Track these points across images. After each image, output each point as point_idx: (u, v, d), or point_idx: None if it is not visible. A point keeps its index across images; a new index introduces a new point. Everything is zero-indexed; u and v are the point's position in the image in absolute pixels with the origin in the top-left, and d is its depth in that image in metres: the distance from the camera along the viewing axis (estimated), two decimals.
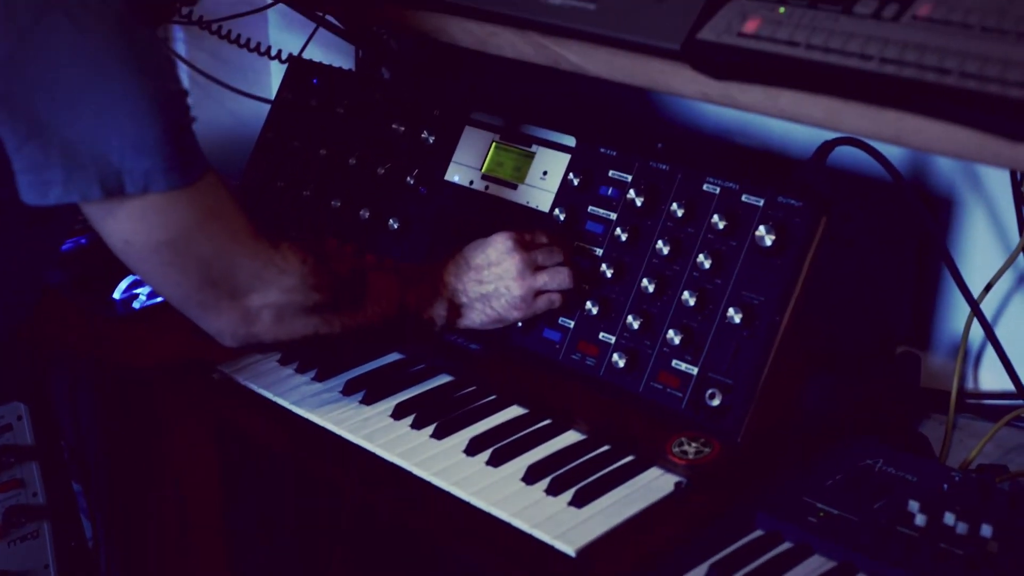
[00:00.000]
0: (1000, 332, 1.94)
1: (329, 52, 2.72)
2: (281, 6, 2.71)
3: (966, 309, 1.93)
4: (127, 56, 1.54)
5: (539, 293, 1.92)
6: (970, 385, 2.04)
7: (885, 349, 2.00)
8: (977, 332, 1.97)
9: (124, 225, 1.61)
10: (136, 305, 2.24)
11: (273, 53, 2.62)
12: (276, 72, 2.93)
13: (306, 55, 2.54)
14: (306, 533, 2.76)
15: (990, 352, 1.97)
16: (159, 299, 2.20)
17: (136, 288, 2.25)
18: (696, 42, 1.60)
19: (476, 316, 1.93)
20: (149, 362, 2.17)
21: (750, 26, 1.56)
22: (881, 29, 1.46)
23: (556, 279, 1.92)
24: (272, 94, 2.77)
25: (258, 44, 2.64)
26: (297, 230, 2.28)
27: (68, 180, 1.55)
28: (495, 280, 1.91)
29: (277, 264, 1.71)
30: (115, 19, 1.54)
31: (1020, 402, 1.95)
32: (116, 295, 2.24)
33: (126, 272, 2.22)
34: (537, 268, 1.92)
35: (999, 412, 1.95)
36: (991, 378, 2.02)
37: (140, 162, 1.55)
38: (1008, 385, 1.96)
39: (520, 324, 1.96)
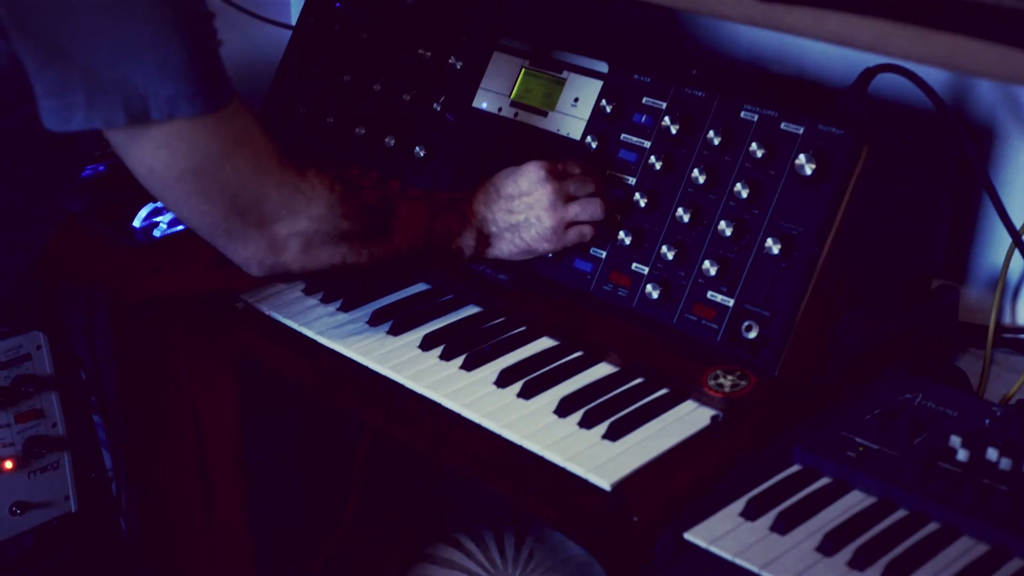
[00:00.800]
0: None
1: None
2: None
3: (1005, 242, 1.89)
4: None
5: (570, 225, 1.88)
6: (1007, 319, 2.00)
7: (923, 282, 1.96)
8: (1016, 265, 1.94)
9: (149, 152, 1.57)
10: (156, 233, 2.20)
11: None
12: None
13: None
14: (324, 468, 2.74)
15: None
16: (180, 227, 2.17)
17: (156, 216, 2.21)
18: None
19: (505, 246, 1.90)
20: (168, 292, 2.14)
21: None
22: None
23: (588, 210, 1.88)
24: (292, 20, 2.73)
25: None
26: (320, 158, 2.24)
27: (90, 105, 1.51)
28: (526, 210, 1.88)
29: (305, 192, 1.68)
30: None
31: None
32: (136, 223, 2.21)
33: (146, 199, 2.18)
34: (569, 198, 1.88)
35: None
36: None
37: (165, 87, 1.52)
38: None
39: (549, 256, 1.92)
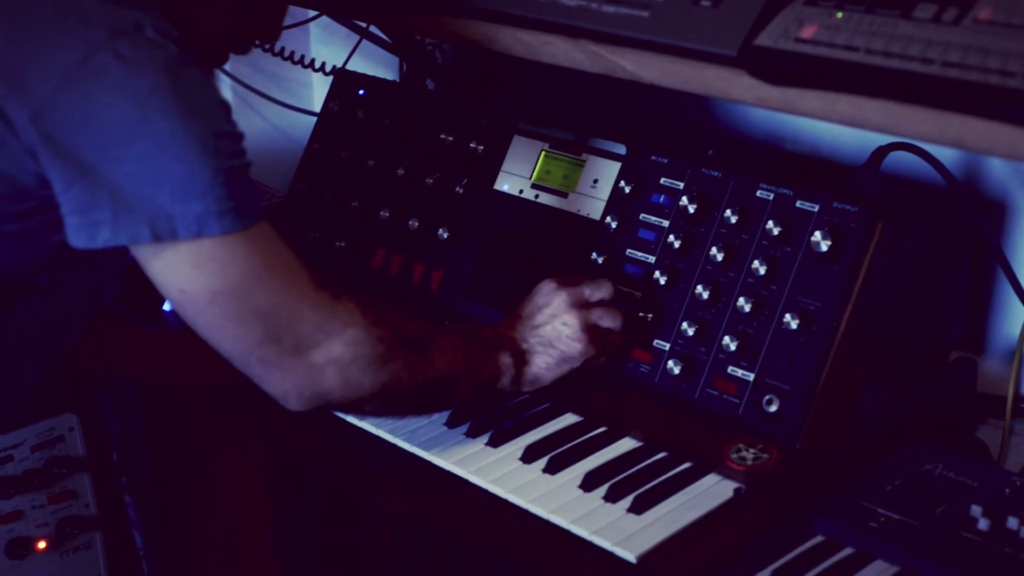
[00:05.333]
0: None
1: (372, 64, 2.73)
2: (323, 19, 2.72)
3: (1022, 313, 1.92)
4: (176, 97, 1.51)
5: (596, 328, 1.87)
6: None
7: (940, 354, 1.99)
8: None
9: (179, 272, 1.56)
10: None
11: (317, 66, 2.63)
12: (318, 84, 2.94)
13: (349, 68, 2.55)
14: (352, 548, 2.76)
15: None
16: None
17: None
18: (753, 48, 1.60)
19: (542, 360, 1.86)
20: (197, 377, 2.16)
21: (808, 32, 1.56)
22: (942, 33, 1.46)
23: (608, 315, 1.88)
24: (315, 106, 2.79)
25: (302, 57, 2.65)
26: (346, 242, 2.28)
27: (116, 222, 1.52)
28: (549, 319, 1.86)
29: (340, 316, 1.65)
30: (165, 60, 1.52)
31: None
32: (166, 307, 2.24)
33: None
34: (586, 303, 1.88)
35: None
36: None
37: (191, 206, 1.52)
38: None
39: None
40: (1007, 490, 1.66)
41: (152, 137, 1.50)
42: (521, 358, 1.85)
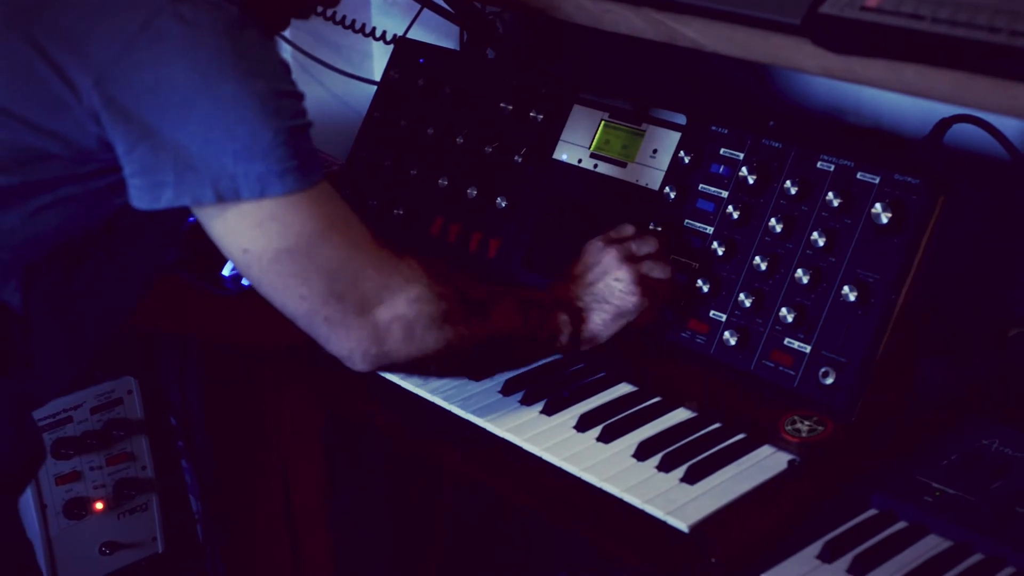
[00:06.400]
0: None
1: (433, 33, 2.73)
2: None
3: None
4: (237, 59, 1.52)
5: (647, 280, 1.87)
6: None
7: (999, 330, 1.97)
8: None
9: (242, 233, 1.58)
10: (245, 283, 2.25)
11: (377, 35, 2.64)
12: (378, 53, 2.94)
13: (409, 36, 2.55)
14: (409, 516, 2.77)
15: None
16: None
17: None
18: (818, 16, 1.59)
19: (598, 316, 1.86)
20: (255, 341, 2.18)
21: (873, 0, 1.55)
22: (1010, 1, 1.45)
23: (657, 267, 1.88)
24: (375, 75, 2.80)
25: (363, 25, 2.66)
26: (404, 210, 2.29)
27: (179, 183, 1.53)
28: (601, 277, 1.86)
29: (403, 273, 1.66)
30: (226, 23, 1.53)
31: None
32: (225, 272, 2.26)
33: None
34: (636, 257, 1.88)
35: None
36: None
37: (254, 166, 1.53)
38: None
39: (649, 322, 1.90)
40: None
41: (214, 99, 1.51)
42: (578, 316, 1.85)
